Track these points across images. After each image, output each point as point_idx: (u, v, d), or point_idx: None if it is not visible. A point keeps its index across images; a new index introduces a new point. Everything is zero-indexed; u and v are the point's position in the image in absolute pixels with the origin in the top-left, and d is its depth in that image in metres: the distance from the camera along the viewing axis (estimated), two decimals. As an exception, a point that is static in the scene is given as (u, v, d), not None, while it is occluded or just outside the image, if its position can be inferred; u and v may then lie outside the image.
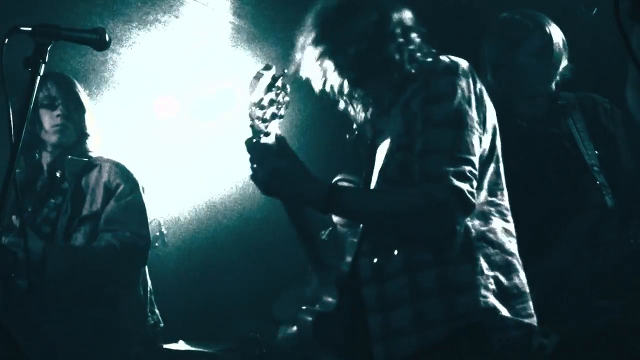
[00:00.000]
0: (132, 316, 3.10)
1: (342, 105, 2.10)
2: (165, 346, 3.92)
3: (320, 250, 2.23)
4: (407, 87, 1.96)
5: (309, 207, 1.96)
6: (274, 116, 1.92)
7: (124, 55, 4.43)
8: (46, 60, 1.94)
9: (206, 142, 4.96)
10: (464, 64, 1.94)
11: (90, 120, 3.20)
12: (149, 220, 3.17)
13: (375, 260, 1.94)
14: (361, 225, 2.04)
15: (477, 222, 1.89)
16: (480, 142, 1.89)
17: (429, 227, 1.84)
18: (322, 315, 2.15)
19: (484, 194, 1.93)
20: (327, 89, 2.03)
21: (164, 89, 4.87)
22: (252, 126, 1.93)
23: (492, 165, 1.97)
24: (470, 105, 1.87)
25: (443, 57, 1.97)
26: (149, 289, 3.24)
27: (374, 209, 1.89)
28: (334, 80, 2.01)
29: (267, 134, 1.93)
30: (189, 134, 5.00)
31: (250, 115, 1.93)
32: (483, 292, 1.82)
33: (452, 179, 1.78)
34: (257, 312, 4.45)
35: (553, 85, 2.84)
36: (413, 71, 1.96)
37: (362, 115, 2.09)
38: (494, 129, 1.99)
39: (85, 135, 3.17)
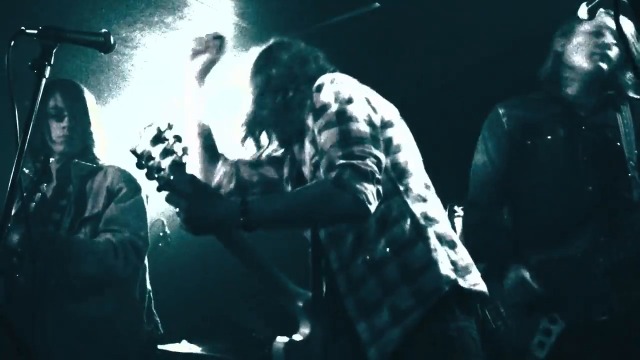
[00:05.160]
0: (128, 319, 3.12)
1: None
2: (166, 348, 3.93)
3: (276, 279, 2.33)
4: (304, 113, 2.16)
5: (234, 228, 1.99)
6: (175, 164, 1.92)
7: (129, 56, 4.45)
8: (52, 62, 1.96)
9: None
10: (337, 75, 2.14)
11: (97, 129, 3.26)
12: (152, 221, 3.19)
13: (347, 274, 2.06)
14: (314, 247, 2.17)
15: (418, 205, 2.05)
16: (378, 131, 2.03)
17: (337, 206, 1.88)
18: (293, 343, 2.25)
19: (415, 178, 2.09)
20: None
21: (167, 90, 4.88)
22: (151, 178, 1.95)
23: (412, 152, 2.14)
24: (351, 103, 2.03)
25: (322, 77, 2.14)
26: (147, 296, 3.27)
27: (287, 206, 1.95)
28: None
29: (170, 181, 1.92)
30: (192, 135, 5.00)
31: (141, 167, 1.95)
32: (441, 266, 1.97)
33: (340, 160, 1.91)
34: (260, 312, 4.46)
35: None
36: (302, 99, 2.17)
37: (282, 150, 2.30)
38: (398, 118, 2.16)
39: (92, 144, 3.23)
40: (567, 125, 2.86)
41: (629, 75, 2.85)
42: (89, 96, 3.28)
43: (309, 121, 2.11)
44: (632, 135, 2.83)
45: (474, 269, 2.06)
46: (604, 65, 2.82)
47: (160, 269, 4.14)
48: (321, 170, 1.99)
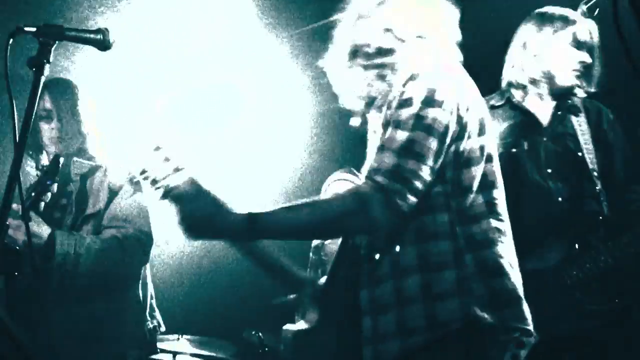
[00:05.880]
0: (130, 317, 3.12)
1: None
2: (164, 347, 3.92)
3: (287, 270, 2.24)
4: (392, 90, 1.98)
5: (236, 239, 1.95)
6: (175, 170, 1.88)
7: (127, 54, 4.44)
8: (50, 60, 1.95)
9: (209, 142, 4.96)
10: (442, 64, 1.96)
11: (92, 128, 3.22)
12: (152, 221, 3.19)
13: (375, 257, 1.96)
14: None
15: (467, 226, 1.90)
16: (445, 146, 1.87)
17: (352, 225, 1.85)
18: (303, 331, 2.22)
19: (475, 196, 1.92)
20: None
21: (167, 89, 4.88)
22: (155, 188, 1.90)
23: (483, 165, 1.95)
24: (437, 107, 1.85)
25: (424, 62, 1.96)
26: (149, 293, 3.26)
27: (297, 224, 1.86)
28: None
29: (171, 189, 1.87)
30: (192, 134, 5.00)
31: (143, 180, 1.90)
32: (466, 299, 1.84)
33: (384, 177, 1.79)
34: (259, 311, 4.46)
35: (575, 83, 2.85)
36: (397, 76, 1.99)
37: (363, 105, 2.10)
38: (482, 129, 1.96)
39: (86, 144, 3.20)
40: (529, 137, 2.86)
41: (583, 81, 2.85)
42: (82, 94, 3.23)
43: (394, 102, 1.92)
44: (590, 143, 2.83)
45: (521, 303, 1.92)
46: (580, 83, 2.83)
47: (160, 268, 4.16)
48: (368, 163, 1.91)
